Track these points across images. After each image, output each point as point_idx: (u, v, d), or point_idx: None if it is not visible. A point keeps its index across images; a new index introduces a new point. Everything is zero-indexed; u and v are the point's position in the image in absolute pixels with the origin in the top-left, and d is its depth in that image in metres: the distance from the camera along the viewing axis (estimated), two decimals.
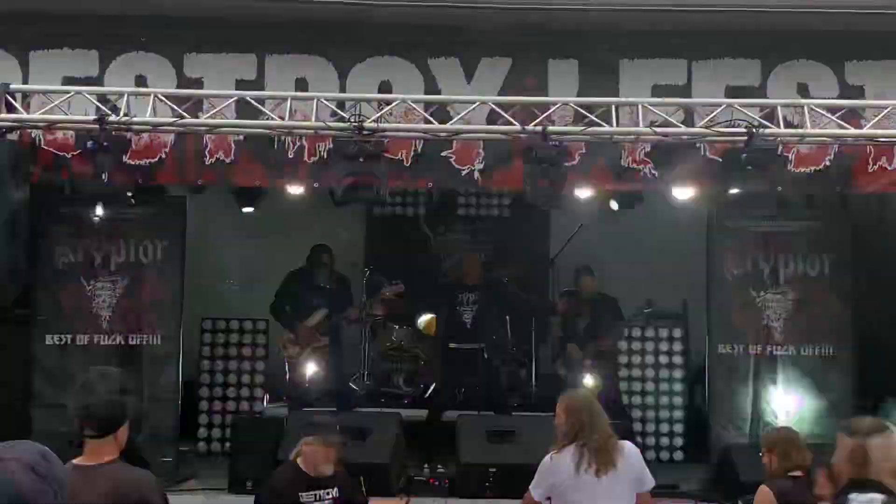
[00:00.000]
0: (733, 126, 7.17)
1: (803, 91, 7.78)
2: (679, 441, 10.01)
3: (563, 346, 9.89)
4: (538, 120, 7.21)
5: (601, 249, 10.15)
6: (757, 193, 7.16)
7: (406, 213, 11.59)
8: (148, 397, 8.61)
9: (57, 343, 8.71)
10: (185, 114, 7.23)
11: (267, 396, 9.89)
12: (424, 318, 9.57)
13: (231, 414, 10.03)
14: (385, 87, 7.78)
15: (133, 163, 7.66)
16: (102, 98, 7.43)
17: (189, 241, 9.06)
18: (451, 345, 9.59)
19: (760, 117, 7.18)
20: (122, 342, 8.73)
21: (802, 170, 7.76)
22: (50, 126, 7.44)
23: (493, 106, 7.36)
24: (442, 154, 7.74)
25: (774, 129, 7.14)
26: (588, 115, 7.25)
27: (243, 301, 10.43)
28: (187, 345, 9.38)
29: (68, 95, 7.35)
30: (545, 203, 7.53)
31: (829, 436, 5.10)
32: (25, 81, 7.77)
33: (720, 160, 7.37)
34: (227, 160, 7.78)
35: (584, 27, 7.77)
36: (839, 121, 7.22)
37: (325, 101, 7.33)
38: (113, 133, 7.07)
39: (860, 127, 7.33)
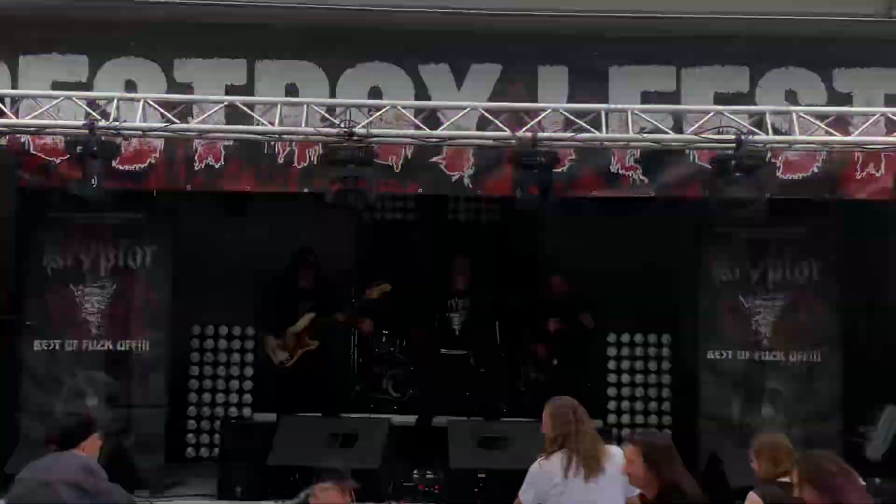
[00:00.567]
0: (722, 133, 7.22)
1: (792, 98, 7.83)
2: None
3: (531, 349, 9.90)
4: (528, 126, 7.24)
5: (589, 254, 10.16)
6: (746, 200, 7.18)
7: (396, 218, 11.58)
8: (136, 403, 8.60)
9: (45, 349, 8.65)
10: (174, 119, 7.24)
11: None
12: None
13: (220, 420, 9.99)
14: (375, 93, 7.80)
15: (123, 168, 7.67)
16: (92, 103, 7.43)
17: (178, 246, 9.03)
18: (442, 350, 9.60)
19: (749, 124, 7.23)
20: (111, 348, 8.68)
21: (791, 176, 7.81)
22: (39, 131, 7.44)
23: (484, 112, 7.38)
24: (432, 160, 7.76)
25: (763, 136, 7.19)
26: (578, 121, 7.28)
27: (232, 307, 10.40)
28: (176, 350, 9.35)
29: (58, 100, 7.36)
30: (535, 209, 7.53)
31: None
32: (15, 86, 7.76)
33: (709, 166, 7.41)
34: (217, 165, 7.79)
35: (573, 34, 7.81)
36: (827, 128, 7.27)
37: (315, 107, 7.35)
38: (102, 138, 7.07)
39: (848, 134, 7.37)
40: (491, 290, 9.94)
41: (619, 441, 9.42)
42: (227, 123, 7.46)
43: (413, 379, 10.16)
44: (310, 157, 7.74)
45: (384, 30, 7.79)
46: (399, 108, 7.44)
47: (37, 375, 8.61)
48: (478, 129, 7.46)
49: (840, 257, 8.93)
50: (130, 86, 7.77)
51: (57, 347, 8.66)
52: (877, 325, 9.11)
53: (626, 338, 10.34)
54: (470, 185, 7.86)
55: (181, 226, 9.05)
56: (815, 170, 7.80)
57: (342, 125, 7.16)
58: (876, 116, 7.35)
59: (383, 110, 7.41)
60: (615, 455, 5.42)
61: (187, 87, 7.81)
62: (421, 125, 7.33)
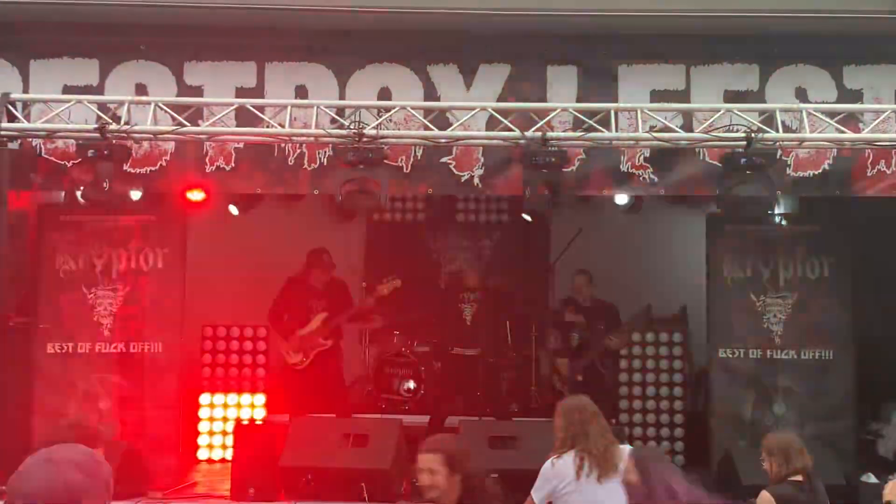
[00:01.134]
0: (732, 131, 7.20)
1: (802, 95, 7.80)
2: (680, 445, 10.00)
3: (554, 361, 9.88)
4: (537, 126, 7.23)
5: (601, 254, 10.16)
6: (756, 197, 7.16)
7: (406, 218, 11.61)
8: (149, 405, 8.64)
9: (58, 351, 8.70)
10: (185, 122, 7.26)
11: None
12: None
13: (232, 421, 10.02)
14: (384, 94, 7.80)
15: (134, 171, 7.70)
16: (103, 107, 7.45)
17: (189, 247, 9.07)
18: (453, 350, 9.61)
19: (759, 122, 7.20)
20: (124, 350, 8.72)
21: (801, 174, 7.79)
22: (51, 135, 7.47)
23: (493, 112, 7.38)
24: (442, 160, 7.76)
25: (773, 134, 7.16)
26: (587, 120, 7.27)
27: (243, 307, 10.43)
28: (188, 351, 9.39)
29: (69, 104, 7.38)
30: (545, 208, 7.53)
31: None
32: (26, 90, 7.79)
33: (719, 165, 7.40)
34: (228, 167, 7.82)
35: (582, 33, 7.80)
36: (838, 125, 7.24)
37: (324, 109, 7.35)
38: (114, 141, 7.10)
39: (859, 131, 7.34)
40: (502, 287, 9.94)
41: (631, 440, 9.47)
42: (238, 126, 7.48)
43: (425, 379, 10.16)
44: (320, 158, 7.76)
45: (393, 31, 7.79)
46: (408, 108, 7.45)
47: (49, 378, 8.67)
48: (487, 129, 7.46)
49: (851, 254, 8.91)
50: (141, 89, 7.80)
51: (70, 350, 8.71)
52: (889, 322, 9.07)
53: (637, 336, 10.31)
54: (479, 185, 7.86)
55: (193, 227, 9.08)
56: (826, 167, 7.78)
57: (352, 126, 7.17)
58: (887, 113, 7.32)
59: (393, 111, 7.42)
60: (626, 454, 5.41)
61: (197, 90, 7.83)
62: (430, 126, 7.34)
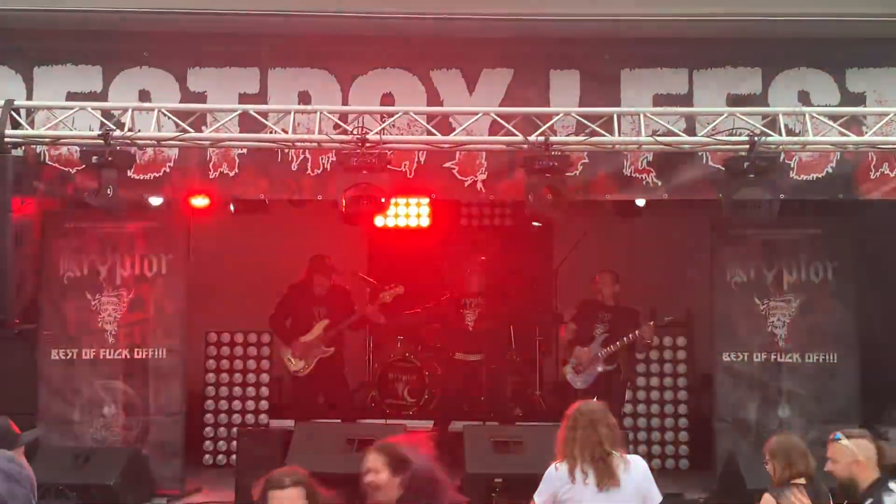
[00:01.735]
0: (735, 134, 7.20)
1: (805, 99, 7.80)
2: (684, 449, 10.00)
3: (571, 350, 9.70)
4: (540, 130, 7.24)
5: (604, 258, 10.15)
6: (759, 201, 7.16)
7: (409, 223, 11.61)
8: (153, 411, 8.65)
9: (63, 357, 8.72)
10: (188, 128, 7.27)
11: None
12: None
13: (237, 426, 10.03)
14: (387, 100, 7.82)
15: (138, 177, 7.72)
16: (106, 113, 7.48)
17: (193, 254, 9.08)
18: (456, 355, 9.61)
19: (762, 125, 7.21)
20: (128, 356, 8.74)
21: (805, 177, 7.79)
22: (55, 141, 7.49)
23: (496, 117, 7.39)
24: (444, 165, 7.77)
25: (776, 137, 7.17)
26: (590, 124, 7.28)
27: (247, 313, 10.44)
28: (192, 357, 9.40)
29: (73, 111, 7.41)
30: (548, 212, 7.52)
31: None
32: (30, 97, 7.82)
33: (722, 168, 7.39)
34: (231, 173, 7.84)
35: (584, 37, 7.81)
36: (840, 128, 7.24)
37: (327, 114, 7.37)
38: (117, 148, 7.12)
39: (861, 134, 7.34)
40: (505, 292, 9.93)
41: (636, 444, 9.45)
42: (241, 132, 7.50)
43: (429, 384, 10.16)
44: (323, 164, 7.78)
45: (395, 36, 7.81)
46: (411, 114, 7.46)
47: (54, 384, 8.68)
48: (490, 133, 7.48)
49: (855, 258, 8.91)
50: (144, 96, 7.83)
51: (74, 356, 8.73)
52: (893, 324, 9.06)
53: None
54: (483, 190, 7.87)
55: (196, 234, 9.09)
56: (829, 170, 7.78)
57: (355, 132, 7.18)
58: (889, 116, 7.32)
59: (396, 116, 7.44)
60: (635, 465, 5.36)
61: (201, 97, 7.86)
62: (433, 131, 7.35)
